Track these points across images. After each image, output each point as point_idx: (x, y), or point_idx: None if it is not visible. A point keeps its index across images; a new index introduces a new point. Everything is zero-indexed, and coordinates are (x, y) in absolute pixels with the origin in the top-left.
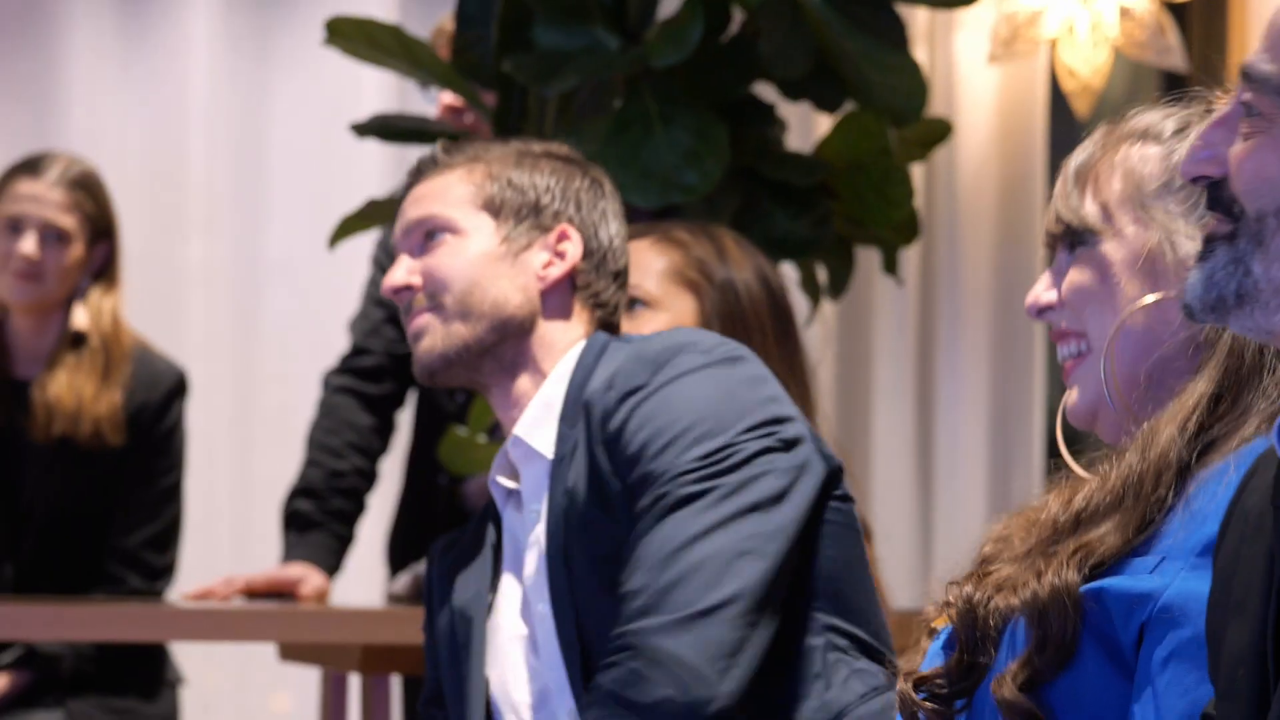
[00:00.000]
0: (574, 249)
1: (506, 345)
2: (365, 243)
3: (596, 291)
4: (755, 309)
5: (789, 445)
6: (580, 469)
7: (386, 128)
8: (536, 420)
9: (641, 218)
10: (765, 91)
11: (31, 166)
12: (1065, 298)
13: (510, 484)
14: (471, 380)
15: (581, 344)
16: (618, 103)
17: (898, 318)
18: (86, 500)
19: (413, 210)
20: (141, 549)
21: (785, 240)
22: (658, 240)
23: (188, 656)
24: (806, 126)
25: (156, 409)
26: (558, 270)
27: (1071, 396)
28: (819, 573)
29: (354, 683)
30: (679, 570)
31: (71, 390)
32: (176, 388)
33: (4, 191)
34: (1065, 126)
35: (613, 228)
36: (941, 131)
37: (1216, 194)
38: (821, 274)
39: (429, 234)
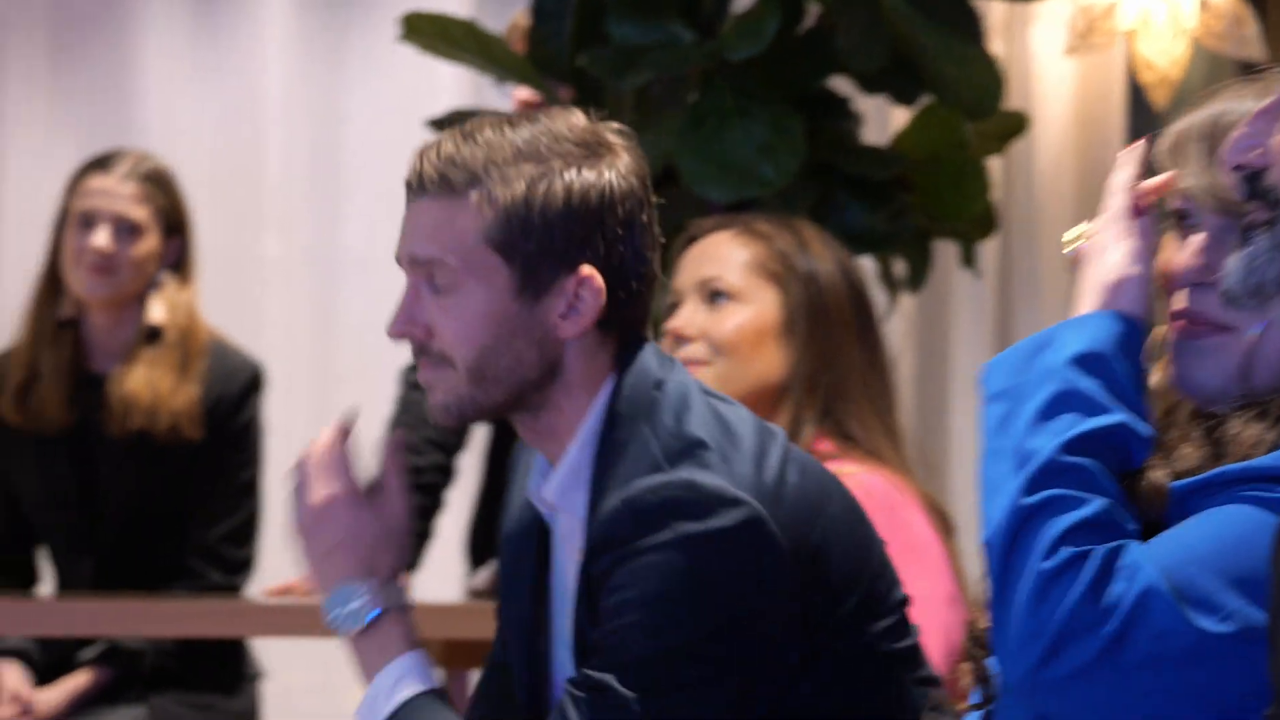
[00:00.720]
0: (594, 297)
1: (527, 398)
2: None
3: (620, 320)
4: (837, 301)
5: (748, 633)
6: (579, 583)
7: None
8: (565, 487)
9: (717, 211)
10: (841, 85)
11: (102, 163)
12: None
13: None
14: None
15: (607, 391)
16: (693, 97)
17: (976, 310)
18: (164, 495)
19: (417, 241)
20: (221, 543)
21: (863, 234)
22: (740, 232)
23: (268, 651)
24: (883, 120)
25: (233, 403)
26: (576, 326)
27: (1194, 373)
28: None
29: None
30: None
31: (148, 385)
32: (253, 382)
33: (76, 188)
34: (1143, 118)
35: (638, 238)
36: (1018, 124)
37: (1256, 183)
38: (899, 267)
39: (434, 274)
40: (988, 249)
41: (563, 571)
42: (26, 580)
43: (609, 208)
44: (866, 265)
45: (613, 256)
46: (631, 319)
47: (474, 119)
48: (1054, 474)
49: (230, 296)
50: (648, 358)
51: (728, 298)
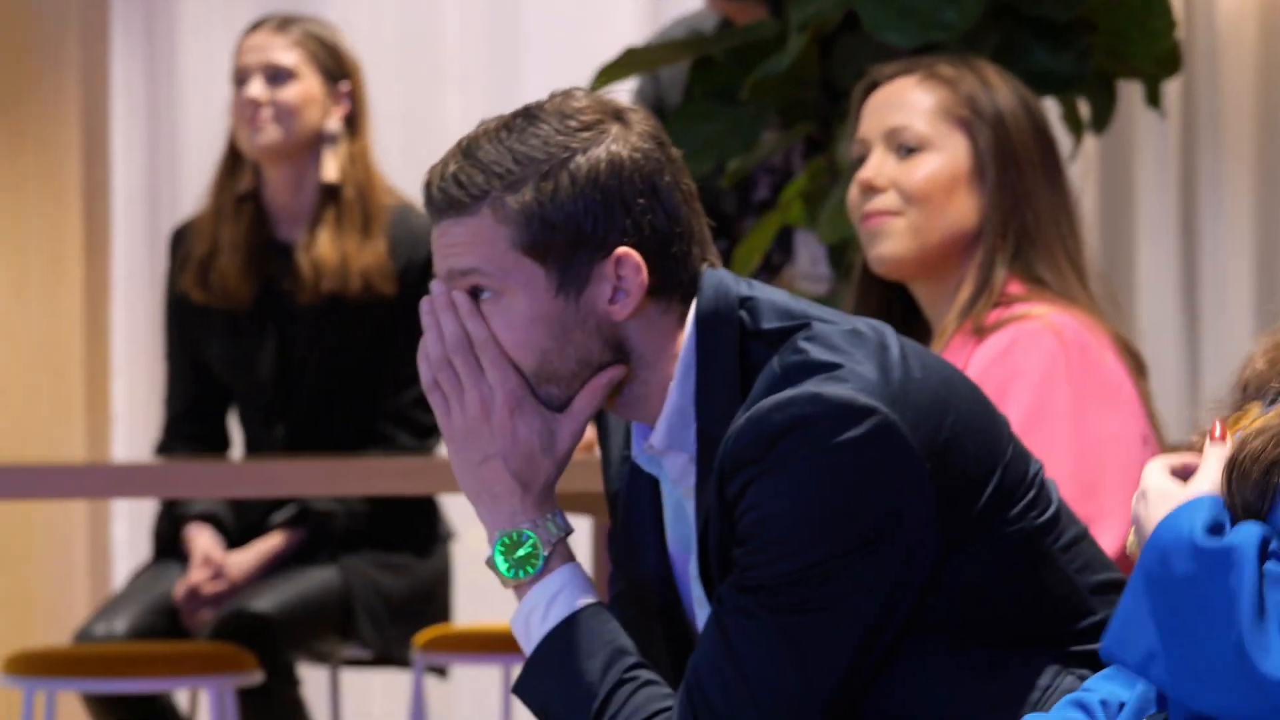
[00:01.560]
0: (635, 274)
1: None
2: (623, 92)
3: (672, 284)
4: (1024, 142)
5: (887, 545)
6: (714, 507)
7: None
8: (672, 428)
9: (898, 57)
10: None
11: (256, 24)
12: None
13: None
14: None
15: (690, 330)
16: None
17: (1160, 151)
18: (358, 358)
19: (451, 257)
20: (411, 407)
21: (1046, 75)
22: (924, 78)
23: (460, 511)
24: None
25: (421, 268)
26: (627, 307)
27: None
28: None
29: None
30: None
31: (336, 249)
32: None
33: (236, 52)
34: None
35: (665, 200)
36: None
37: None
38: (1083, 109)
39: (478, 284)
40: (1171, 89)
41: (679, 514)
42: (218, 446)
43: (625, 181)
44: (1050, 107)
45: (643, 227)
46: (683, 278)
47: (475, 129)
48: None
49: (412, 156)
50: (722, 280)
51: (917, 146)
